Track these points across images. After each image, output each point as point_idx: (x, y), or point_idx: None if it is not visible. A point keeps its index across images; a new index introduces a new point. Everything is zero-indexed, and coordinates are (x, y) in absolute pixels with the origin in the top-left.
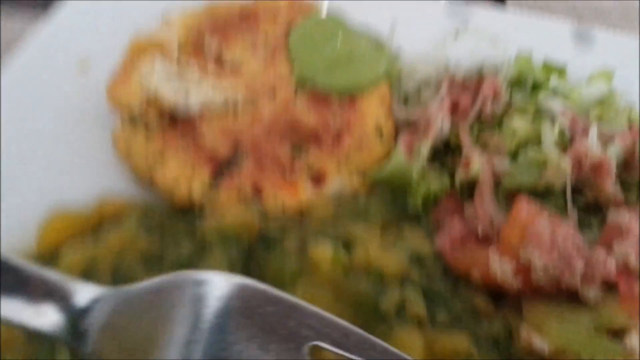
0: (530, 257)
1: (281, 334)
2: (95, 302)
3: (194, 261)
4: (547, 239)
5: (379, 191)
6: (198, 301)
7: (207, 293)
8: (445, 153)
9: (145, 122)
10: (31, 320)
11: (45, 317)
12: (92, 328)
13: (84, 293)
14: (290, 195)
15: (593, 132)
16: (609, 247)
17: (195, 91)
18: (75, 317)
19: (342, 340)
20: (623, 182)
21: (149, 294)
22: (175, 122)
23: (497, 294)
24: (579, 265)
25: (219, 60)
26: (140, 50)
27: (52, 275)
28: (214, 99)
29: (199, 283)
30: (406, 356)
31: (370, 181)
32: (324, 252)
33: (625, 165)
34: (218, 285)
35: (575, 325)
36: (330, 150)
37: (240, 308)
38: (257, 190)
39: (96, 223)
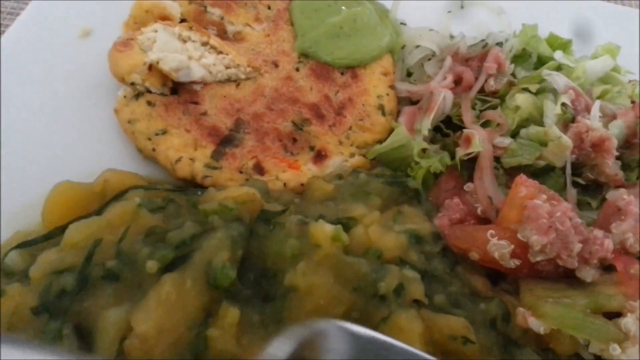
0: (528, 236)
1: None
2: None
3: (197, 240)
4: (545, 218)
5: (379, 169)
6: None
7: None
8: (447, 130)
9: (147, 99)
10: None
11: None
12: None
13: None
14: (291, 173)
15: (595, 108)
16: (607, 228)
17: (197, 62)
18: None
19: None
20: (624, 162)
21: None
22: (177, 97)
23: (495, 275)
24: (576, 245)
25: (221, 32)
26: (142, 19)
27: None
28: (216, 69)
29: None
30: None
31: (371, 158)
32: (324, 231)
33: (626, 144)
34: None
35: (571, 306)
36: (332, 125)
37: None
38: (259, 168)
39: (100, 199)
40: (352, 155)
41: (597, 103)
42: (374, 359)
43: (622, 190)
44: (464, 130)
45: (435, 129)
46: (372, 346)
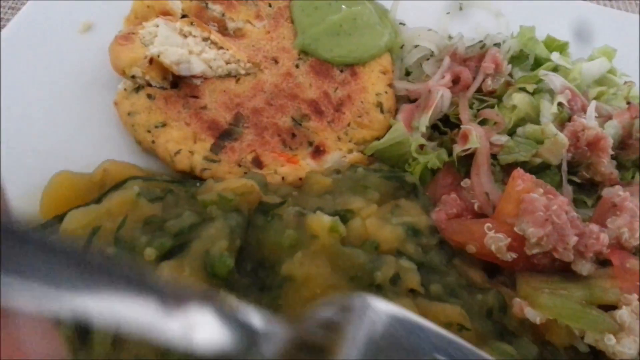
0: (524, 229)
1: (405, 349)
2: (271, 333)
3: (195, 230)
4: (542, 211)
5: (377, 164)
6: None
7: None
8: (444, 128)
9: (147, 92)
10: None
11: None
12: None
13: (257, 321)
14: (290, 167)
15: (591, 108)
16: (602, 223)
17: (197, 57)
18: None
19: (457, 354)
20: (619, 161)
21: (311, 332)
22: (178, 91)
23: (491, 268)
24: (572, 238)
25: (222, 28)
26: (143, 14)
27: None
28: (216, 64)
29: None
30: None
31: (369, 154)
32: (321, 222)
33: (622, 144)
34: (364, 318)
35: (566, 298)
36: (331, 121)
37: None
38: (258, 162)
39: (99, 189)
40: (350, 151)
41: (593, 103)
42: (406, 337)
43: (618, 187)
44: (462, 126)
45: (433, 127)
46: (407, 325)
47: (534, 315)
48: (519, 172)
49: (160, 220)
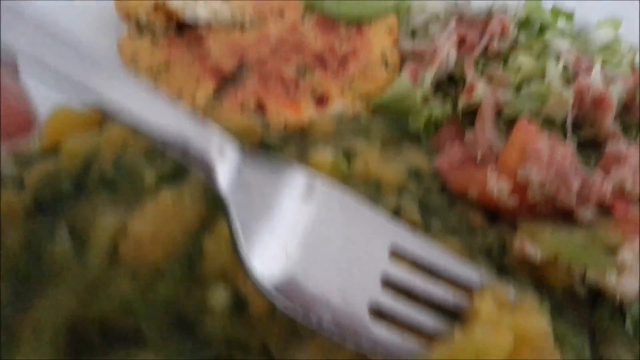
0: (527, 174)
1: (367, 231)
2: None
3: None
4: (546, 156)
5: (381, 114)
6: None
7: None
8: (449, 84)
9: (152, 31)
10: None
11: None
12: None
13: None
14: (292, 112)
15: (596, 69)
16: (606, 172)
17: (203, 4)
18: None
19: (415, 242)
20: (623, 123)
21: (269, 172)
22: (182, 33)
23: (492, 214)
24: (575, 183)
25: None
26: None
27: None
28: (221, 14)
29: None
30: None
31: (373, 105)
32: (324, 158)
33: (625, 107)
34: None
35: (568, 237)
36: (335, 74)
37: (336, 207)
38: (260, 107)
39: (99, 126)
40: (353, 102)
41: (598, 65)
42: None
43: (622, 142)
44: (467, 80)
45: (438, 83)
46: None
47: (534, 251)
48: (524, 120)
49: (161, 151)
